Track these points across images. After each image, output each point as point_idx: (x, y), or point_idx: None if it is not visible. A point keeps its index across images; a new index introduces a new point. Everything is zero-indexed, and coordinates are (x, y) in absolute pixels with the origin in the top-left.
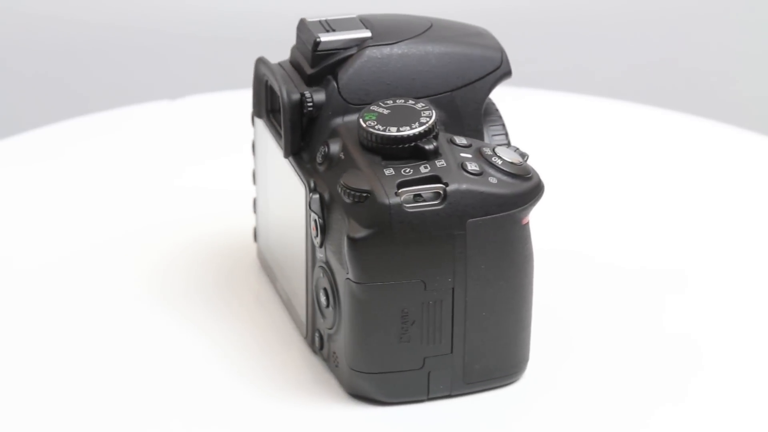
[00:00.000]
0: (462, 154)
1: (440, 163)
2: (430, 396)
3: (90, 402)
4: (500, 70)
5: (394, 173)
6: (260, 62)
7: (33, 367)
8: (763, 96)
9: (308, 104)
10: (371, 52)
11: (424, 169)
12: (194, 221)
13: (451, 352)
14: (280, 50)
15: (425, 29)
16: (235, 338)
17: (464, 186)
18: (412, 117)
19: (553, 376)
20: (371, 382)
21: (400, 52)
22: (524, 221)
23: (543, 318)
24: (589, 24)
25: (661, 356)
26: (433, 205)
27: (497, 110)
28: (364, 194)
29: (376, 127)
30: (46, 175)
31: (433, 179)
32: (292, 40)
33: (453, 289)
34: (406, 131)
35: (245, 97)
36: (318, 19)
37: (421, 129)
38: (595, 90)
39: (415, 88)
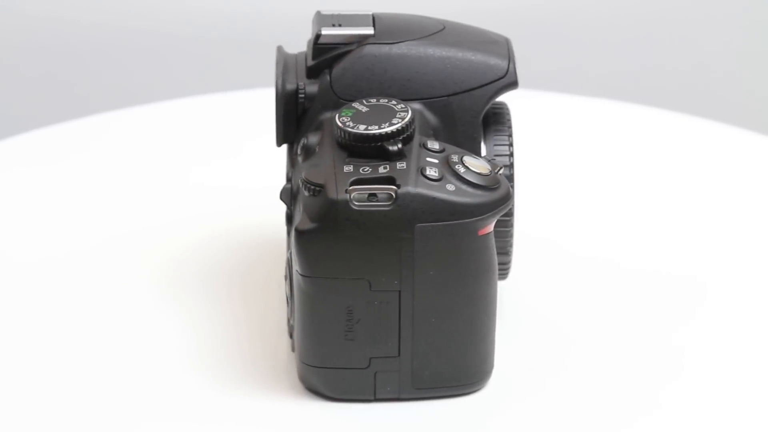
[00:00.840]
0: (428, 159)
1: (401, 165)
2: (377, 397)
3: (81, 397)
4: (503, 81)
5: (352, 170)
6: (277, 51)
7: (33, 363)
8: (764, 96)
9: (300, 95)
10: (369, 50)
11: (383, 170)
12: (200, 220)
13: (399, 355)
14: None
15: (434, 32)
16: (232, 331)
17: (416, 190)
18: (386, 117)
19: (545, 380)
20: (319, 377)
21: (398, 52)
22: (481, 232)
23: (542, 321)
24: (588, 24)
25: (659, 362)
26: (382, 205)
27: (509, 120)
28: (318, 188)
29: (348, 123)
30: (48, 176)
31: (388, 180)
32: (296, 41)
33: (400, 292)
34: (373, 131)
35: (247, 98)
36: (332, 12)
37: (387, 130)
38: (594, 91)
39: (410, 90)
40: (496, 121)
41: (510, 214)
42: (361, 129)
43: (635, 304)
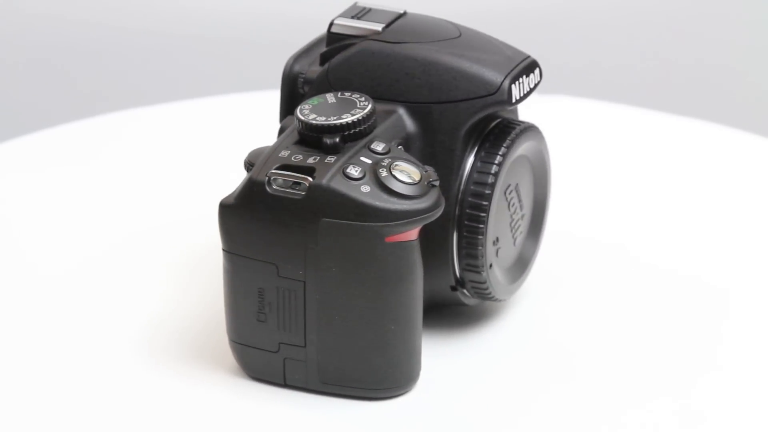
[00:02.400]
0: (361, 158)
1: (331, 159)
2: (287, 383)
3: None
4: (493, 98)
5: (286, 156)
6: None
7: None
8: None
9: (300, 79)
10: (367, 45)
11: (312, 160)
12: (202, 220)
13: (305, 345)
14: (286, 53)
15: (444, 38)
16: None
17: (328, 184)
18: (340, 112)
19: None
20: (237, 353)
21: (394, 52)
22: (390, 239)
23: (543, 327)
24: (585, 25)
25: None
26: (295, 194)
27: (511, 140)
28: (250, 167)
29: (304, 111)
30: (54, 177)
31: (308, 170)
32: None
33: (305, 283)
34: (316, 121)
35: (250, 100)
36: (366, 5)
37: (328, 123)
38: (592, 92)
39: (396, 90)
40: (496, 137)
41: (480, 233)
42: (310, 119)
43: (641, 305)
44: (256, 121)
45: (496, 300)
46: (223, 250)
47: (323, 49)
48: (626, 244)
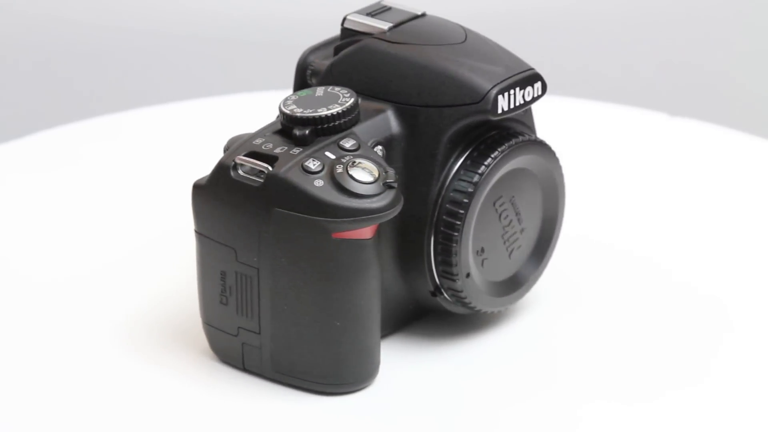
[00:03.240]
0: (326, 153)
1: (296, 151)
2: (246, 368)
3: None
4: (476, 107)
5: (258, 144)
6: None
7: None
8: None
9: (309, 70)
10: (370, 43)
11: (279, 150)
12: None
13: (259, 332)
14: (289, 54)
15: (446, 42)
16: None
17: (283, 175)
18: (319, 105)
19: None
20: (206, 332)
21: (392, 52)
22: (336, 235)
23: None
24: (584, 26)
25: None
26: (254, 181)
27: (502, 150)
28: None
29: (287, 102)
30: (52, 179)
31: (272, 160)
32: (305, 43)
33: (258, 270)
34: (291, 112)
35: (251, 100)
36: (391, 4)
37: (301, 115)
38: (592, 93)
39: (388, 90)
40: (487, 147)
41: (455, 240)
42: (288, 109)
43: (641, 307)
44: (256, 121)
45: (480, 311)
46: (194, 230)
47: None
48: (626, 245)
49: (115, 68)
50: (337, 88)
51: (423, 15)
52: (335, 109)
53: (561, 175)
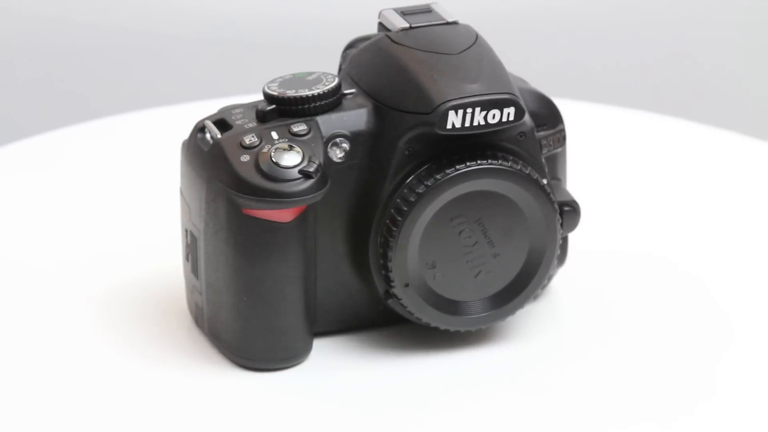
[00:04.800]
0: (272, 132)
1: (251, 125)
2: (199, 326)
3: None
4: (427, 117)
5: (234, 112)
6: None
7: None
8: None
9: (342, 57)
10: (378, 41)
11: (240, 121)
12: None
13: (201, 293)
14: (290, 54)
15: (444, 51)
16: None
17: (220, 144)
18: (295, 87)
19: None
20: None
21: (389, 52)
22: (245, 211)
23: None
24: (582, 28)
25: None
26: (205, 145)
27: (455, 172)
28: None
29: (278, 78)
30: (50, 181)
31: (227, 128)
32: (307, 44)
33: (201, 233)
34: (266, 88)
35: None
36: (437, 8)
37: (268, 92)
38: (590, 94)
39: (375, 87)
40: (448, 162)
41: (390, 246)
42: (266, 85)
43: (642, 311)
44: None
45: (427, 324)
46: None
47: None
48: (625, 247)
49: (113, 70)
50: (330, 76)
51: (454, 23)
52: (302, 93)
53: (549, 209)
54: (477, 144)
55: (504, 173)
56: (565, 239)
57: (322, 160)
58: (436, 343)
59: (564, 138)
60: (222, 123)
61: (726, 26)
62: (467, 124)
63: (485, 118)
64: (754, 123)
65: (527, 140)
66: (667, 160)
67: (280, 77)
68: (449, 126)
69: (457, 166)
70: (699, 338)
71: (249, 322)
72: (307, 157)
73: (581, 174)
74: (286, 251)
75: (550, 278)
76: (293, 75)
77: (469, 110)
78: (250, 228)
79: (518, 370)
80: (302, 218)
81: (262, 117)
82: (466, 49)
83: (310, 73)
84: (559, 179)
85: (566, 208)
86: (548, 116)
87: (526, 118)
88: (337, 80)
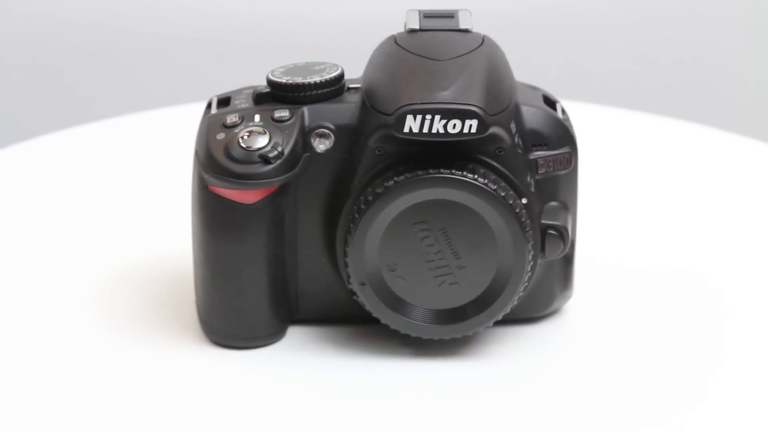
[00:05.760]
0: (256, 115)
1: (243, 106)
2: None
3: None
4: (386, 119)
5: (243, 92)
6: None
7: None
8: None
9: None
10: (386, 40)
11: (237, 102)
12: None
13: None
14: (290, 55)
15: (432, 57)
16: None
17: (208, 120)
18: (297, 74)
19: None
20: None
21: (386, 52)
22: (210, 187)
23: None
24: (580, 28)
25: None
26: (204, 119)
27: (415, 178)
28: None
29: (290, 64)
30: (53, 183)
31: (224, 106)
32: (310, 45)
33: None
34: (270, 73)
35: None
36: (465, 14)
37: (268, 76)
38: (588, 95)
39: (366, 83)
40: (415, 167)
41: (347, 244)
42: (274, 70)
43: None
44: None
45: (387, 325)
46: None
47: None
48: (624, 249)
49: (118, 71)
50: (335, 68)
51: (464, 31)
52: (297, 80)
53: (516, 229)
54: (451, 153)
55: (468, 186)
56: (567, 269)
57: (290, 148)
58: (412, 348)
59: (569, 161)
60: (225, 101)
61: (726, 26)
62: (425, 130)
63: (445, 126)
64: (754, 123)
65: (507, 156)
66: (666, 160)
67: (293, 64)
68: (406, 130)
69: (419, 172)
70: (698, 339)
71: (212, 297)
72: (273, 143)
73: (581, 174)
74: (246, 232)
75: (555, 311)
76: (306, 63)
77: (428, 117)
78: (215, 205)
79: (518, 377)
80: (269, 202)
81: (257, 100)
82: (457, 57)
83: (321, 64)
84: (562, 202)
85: (551, 232)
86: (551, 137)
87: (502, 133)
88: (336, 73)
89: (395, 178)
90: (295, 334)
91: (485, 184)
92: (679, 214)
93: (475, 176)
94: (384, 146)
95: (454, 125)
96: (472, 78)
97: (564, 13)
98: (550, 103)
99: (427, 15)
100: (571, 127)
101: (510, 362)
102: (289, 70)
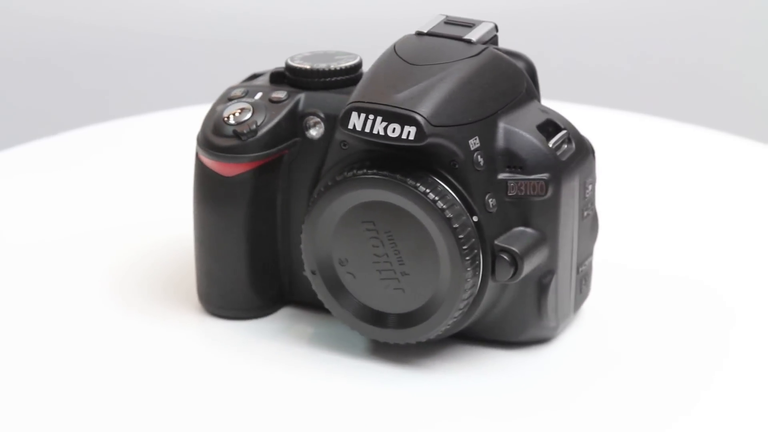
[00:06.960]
0: (258, 93)
1: (258, 83)
2: None
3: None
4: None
5: (265, 73)
6: None
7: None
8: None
9: None
10: (400, 42)
11: (257, 80)
12: None
13: None
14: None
15: (412, 62)
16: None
17: (223, 94)
18: (315, 61)
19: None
20: None
21: (384, 52)
22: (200, 157)
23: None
24: (578, 28)
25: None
26: None
27: (362, 176)
28: None
29: (311, 51)
30: (57, 183)
31: (250, 80)
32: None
33: None
34: (289, 59)
35: None
36: (486, 26)
37: (287, 60)
38: (586, 95)
39: (365, 82)
40: (371, 165)
41: (301, 230)
42: (297, 54)
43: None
44: None
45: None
46: None
47: None
48: (624, 249)
49: (121, 73)
50: (354, 59)
51: (467, 41)
52: (306, 66)
53: (453, 245)
54: (404, 158)
55: (407, 192)
56: (542, 299)
57: (269, 129)
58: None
59: (543, 188)
60: (254, 76)
61: (726, 26)
62: (368, 129)
63: (386, 129)
64: (755, 123)
65: (462, 171)
66: (666, 160)
67: (323, 50)
68: (350, 126)
69: (358, 171)
70: (699, 339)
71: (198, 264)
72: (250, 121)
73: None
74: (223, 204)
75: (540, 339)
76: (338, 50)
77: (371, 116)
78: (200, 174)
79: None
80: (251, 177)
81: (272, 78)
82: (435, 64)
83: (344, 53)
84: (539, 231)
85: (502, 255)
86: (527, 160)
87: (450, 146)
88: (344, 65)
89: (345, 174)
90: (285, 314)
91: (424, 193)
92: (680, 217)
93: (417, 184)
94: (348, 141)
95: (394, 129)
96: (432, 86)
97: (564, 13)
98: (554, 129)
99: (447, 21)
100: (565, 158)
101: (510, 364)
102: (311, 57)
